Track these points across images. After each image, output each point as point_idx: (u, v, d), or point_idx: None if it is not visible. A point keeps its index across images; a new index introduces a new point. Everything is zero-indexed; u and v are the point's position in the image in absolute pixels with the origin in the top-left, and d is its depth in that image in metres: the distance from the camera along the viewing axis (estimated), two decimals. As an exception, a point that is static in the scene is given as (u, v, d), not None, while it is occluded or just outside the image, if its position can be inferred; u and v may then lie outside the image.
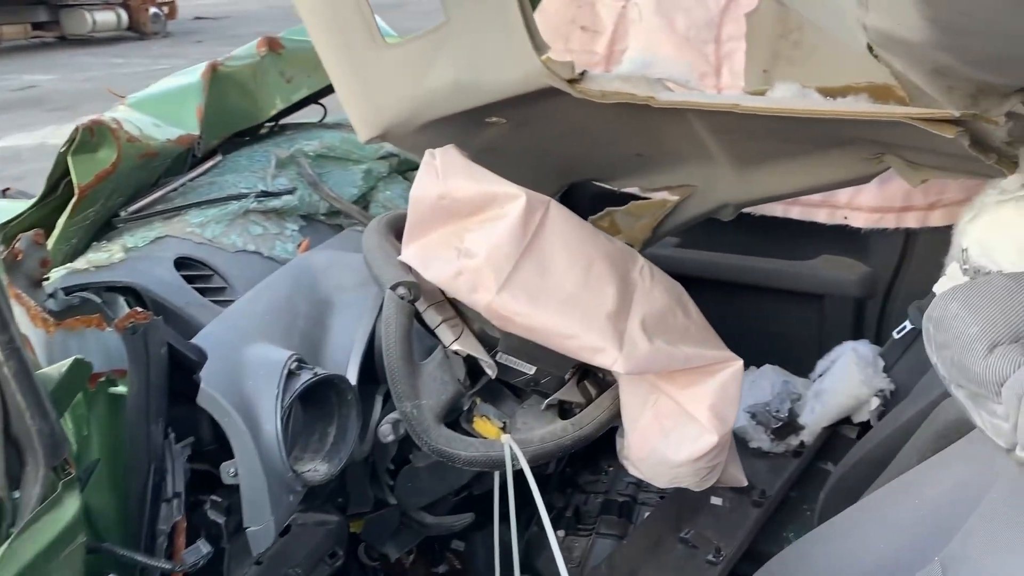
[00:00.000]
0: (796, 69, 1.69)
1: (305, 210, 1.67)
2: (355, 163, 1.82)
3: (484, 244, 1.19)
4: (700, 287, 2.63)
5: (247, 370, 1.14)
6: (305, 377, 1.15)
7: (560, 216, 1.23)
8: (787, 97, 1.46)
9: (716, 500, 1.89)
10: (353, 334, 1.35)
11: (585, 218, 2.04)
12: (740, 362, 1.26)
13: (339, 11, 1.42)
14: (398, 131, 1.52)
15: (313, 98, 2.07)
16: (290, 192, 1.64)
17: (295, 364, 1.16)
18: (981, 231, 1.43)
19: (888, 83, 1.44)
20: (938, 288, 1.48)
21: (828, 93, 1.51)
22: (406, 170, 1.92)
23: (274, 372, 1.13)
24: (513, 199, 1.21)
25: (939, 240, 2.21)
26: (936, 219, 2.18)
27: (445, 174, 1.26)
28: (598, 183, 2.08)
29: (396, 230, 1.38)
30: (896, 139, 1.53)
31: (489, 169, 1.62)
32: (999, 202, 1.41)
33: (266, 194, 1.58)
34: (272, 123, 2.13)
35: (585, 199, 2.72)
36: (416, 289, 1.25)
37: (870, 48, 1.32)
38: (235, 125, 1.91)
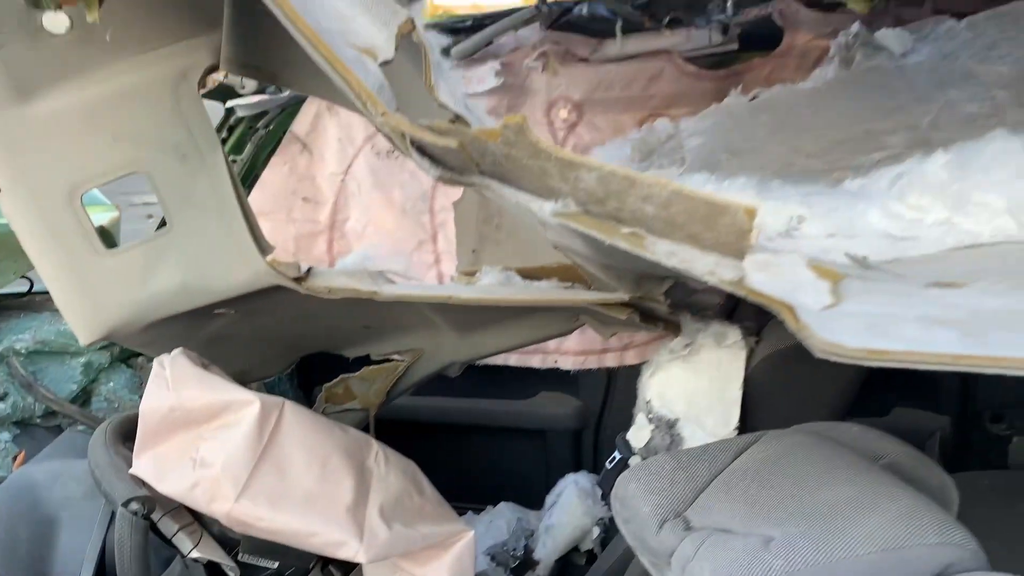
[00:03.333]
0: (500, 249, 1.92)
1: (19, 416, 1.58)
2: (73, 356, 1.76)
3: (220, 453, 1.23)
4: (435, 432, 2.82)
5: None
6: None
7: (295, 416, 1.30)
8: (494, 284, 1.66)
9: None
10: (83, 551, 1.30)
11: (320, 383, 2.13)
12: (472, 533, 1.38)
13: (55, 224, 1.41)
14: (122, 332, 1.52)
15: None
16: (1, 399, 1.55)
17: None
18: (659, 385, 1.70)
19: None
20: (630, 435, 1.72)
21: (527, 275, 1.74)
22: (128, 357, 1.88)
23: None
24: (247, 405, 1.26)
25: (635, 375, 2.58)
26: (631, 358, 2.51)
27: (176, 384, 1.28)
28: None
29: (124, 434, 1.37)
30: (588, 308, 1.79)
31: (218, 355, 1.65)
32: (670, 360, 1.69)
33: (-29, 406, 1.48)
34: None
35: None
36: (150, 503, 1.25)
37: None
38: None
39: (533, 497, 2.60)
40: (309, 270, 1.52)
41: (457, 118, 0.99)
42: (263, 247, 1.49)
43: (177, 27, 1.41)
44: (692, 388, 1.66)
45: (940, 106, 1.71)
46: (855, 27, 2.04)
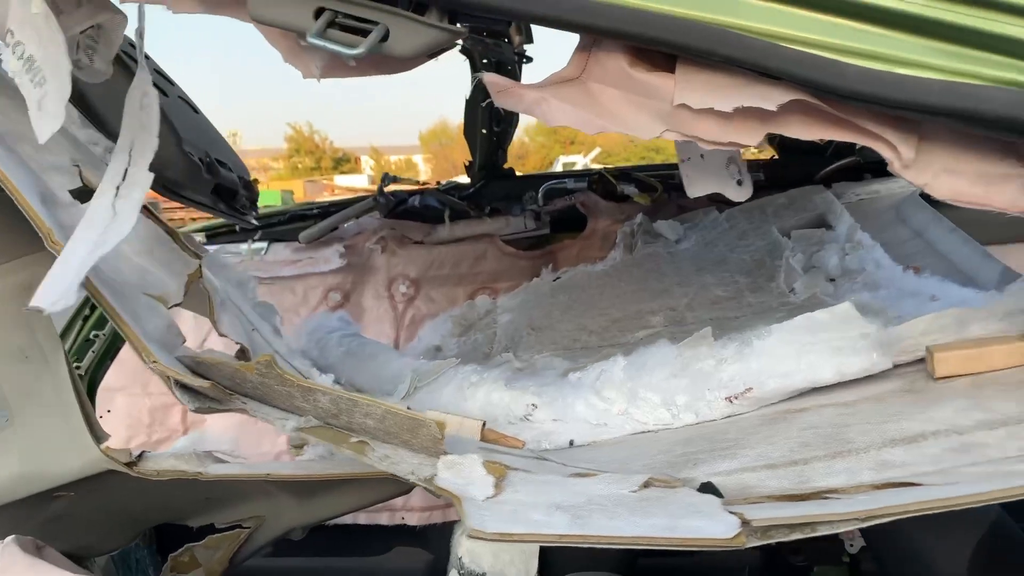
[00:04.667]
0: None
1: None
2: (-88, 542, 1.84)
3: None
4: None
5: None
6: None
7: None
8: (314, 459, 1.86)
9: None
10: None
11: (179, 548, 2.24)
12: None
13: None
14: (-41, 523, 1.63)
15: None
16: None
17: None
18: (469, 542, 1.90)
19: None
20: (447, 591, 1.91)
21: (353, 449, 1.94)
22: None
23: None
24: (71, 588, 1.40)
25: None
26: (471, 511, 2.70)
27: (4, 574, 1.42)
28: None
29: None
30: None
31: (59, 533, 1.77)
32: (477, 519, 1.90)
33: None
34: None
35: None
36: None
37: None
38: None
39: (386, 651, 2.70)
40: (141, 454, 1.69)
41: (240, 346, 1.23)
42: (98, 435, 1.65)
43: (24, 243, 1.62)
44: (497, 544, 1.87)
45: (696, 289, 2.06)
46: (638, 217, 2.42)
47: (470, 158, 2.71)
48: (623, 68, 0.93)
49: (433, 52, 1.03)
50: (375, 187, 2.74)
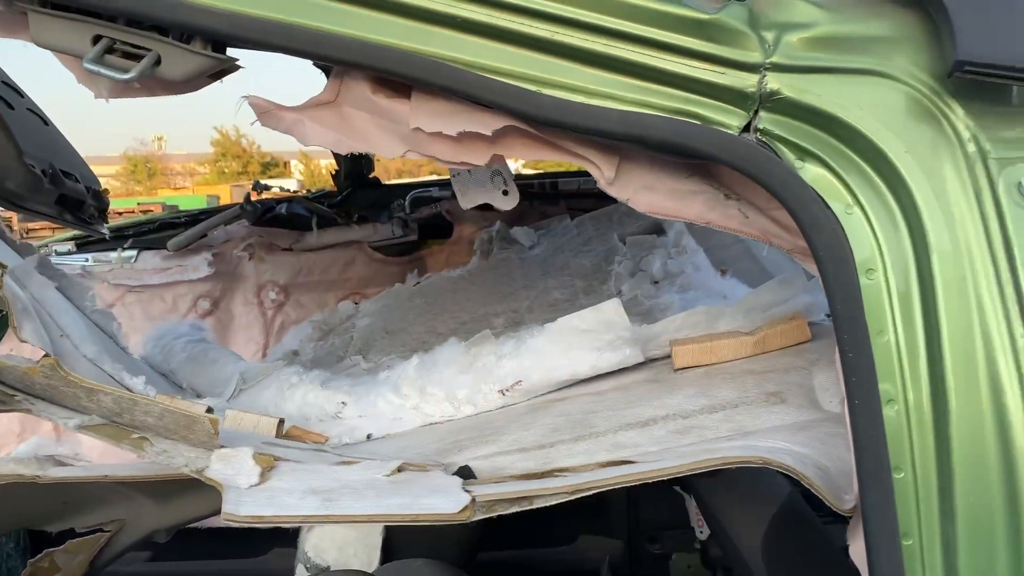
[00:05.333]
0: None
1: None
2: None
3: None
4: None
5: None
6: None
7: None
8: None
9: None
10: None
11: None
12: None
13: None
14: None
15: None
16: None
17: None
18: (315, 539, 1.98)
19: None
20: (298, 585, 1.98)
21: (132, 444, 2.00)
22: None
23: None
24: None
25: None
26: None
27: None
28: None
29: None
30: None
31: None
32: (324, 515, 1.99)
33: None
34: None
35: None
36: None
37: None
38: None
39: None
40: (-20, 460, 1.73)
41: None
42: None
43: None
44: (342, 538, 1.96)
45: (538, 293, 2.18)
46: (496, 224, 2.53)
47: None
48: (367, 94, 1.04)
49: (210, 75, 1.12)
50: (304, 191, 2.79)
